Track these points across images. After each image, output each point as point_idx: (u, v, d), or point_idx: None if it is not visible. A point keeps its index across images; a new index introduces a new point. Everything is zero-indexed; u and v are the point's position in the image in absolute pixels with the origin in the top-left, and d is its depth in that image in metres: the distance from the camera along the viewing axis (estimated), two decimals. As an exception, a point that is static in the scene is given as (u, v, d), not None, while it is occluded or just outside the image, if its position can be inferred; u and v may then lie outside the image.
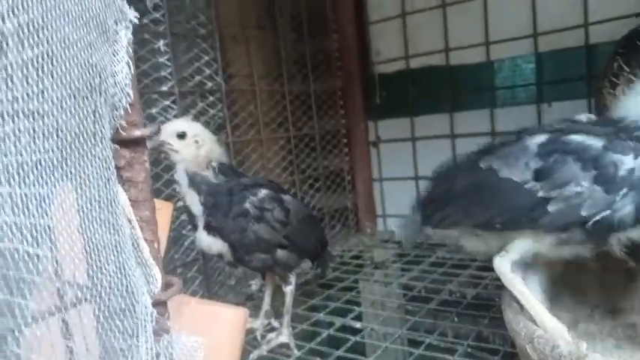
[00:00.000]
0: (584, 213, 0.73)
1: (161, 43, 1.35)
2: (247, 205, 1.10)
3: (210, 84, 1.49)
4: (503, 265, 0.82)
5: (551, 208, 0.74)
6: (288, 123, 1.77)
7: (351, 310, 1.32)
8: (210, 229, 1.10)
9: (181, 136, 1.05)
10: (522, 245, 0.81)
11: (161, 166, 1.26)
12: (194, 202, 1.09)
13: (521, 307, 0.79)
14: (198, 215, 1.10)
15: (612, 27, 1.45)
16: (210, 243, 1.12)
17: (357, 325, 1.25)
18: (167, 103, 1.37)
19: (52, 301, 0.48)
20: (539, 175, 0.75)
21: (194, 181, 1.08)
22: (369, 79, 1.98)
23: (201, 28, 1.48)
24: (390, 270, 1.66)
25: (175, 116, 1.36)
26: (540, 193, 0.75)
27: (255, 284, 1.57)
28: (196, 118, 1.42)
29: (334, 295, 1.45)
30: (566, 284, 1.00)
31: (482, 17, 1.70)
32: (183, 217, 1.38)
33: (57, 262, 0.45)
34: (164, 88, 1.37)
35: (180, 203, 1.35)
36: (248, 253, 1.12)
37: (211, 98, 1.50)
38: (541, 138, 0.79)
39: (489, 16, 1.69)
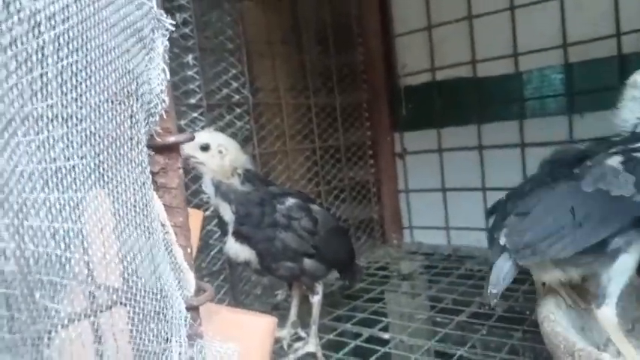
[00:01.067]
0: None
1: (190, 57, 1.38)
2: (277, 214, 1.10)
3: (237, 97, 1.51)
4: (610, 313, 0.83)
5: None
6: (313, 135, 1.78)
7: (378, 321, 1.30)
8: (238, 236, 1.11)
9: (205, 148, 1.06)
10: (620, 280, 0.84)
11: (189, 176, 1.28)
12: (226, 211, 1.10)
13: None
14: (229, 222, 1.11)
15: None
16: (237, 250, 1.12)
17: (385, 336, 1.23)
18: (195, 115, 1.39)
19: (84, 304, 0.49)
20: (638, 187, 0.85)
21: (220, 190, 1.09)
22: (395, 91, 1.97)
23: (228, 42, 1.50)
24: (418, 282, 1.64)
25: (203, 128, 1.38)
26: None
27: (281, 294, 1.57)
28: (223, 130, 1.44)
29: (360, 306, 1.44)
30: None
31: (510, 29, 1.68)
32: (210, 226, 1.40)
33: (90, 266, 0.46)
34: (192, 101, 1.39)
35: (207, 212, 1.36)
36: (275, 262, 1.12)
37: (238, 111, 1.52)
38: (618, 158, 0.89)
39: (517, 28, 1.67)
